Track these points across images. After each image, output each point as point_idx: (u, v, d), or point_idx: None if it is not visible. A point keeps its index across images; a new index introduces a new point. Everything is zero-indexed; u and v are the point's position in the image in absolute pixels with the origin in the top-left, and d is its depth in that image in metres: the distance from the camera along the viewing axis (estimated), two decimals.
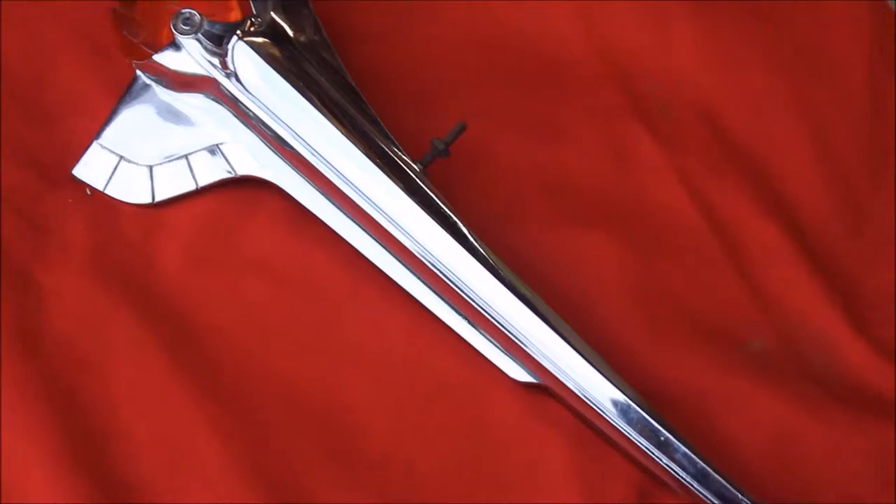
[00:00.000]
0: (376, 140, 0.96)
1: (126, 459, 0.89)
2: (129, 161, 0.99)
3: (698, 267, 1.05)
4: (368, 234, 0.96)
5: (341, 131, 0.94)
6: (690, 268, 1.04)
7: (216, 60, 0.96)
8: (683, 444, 0.89)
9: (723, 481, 0.89)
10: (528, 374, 0.94)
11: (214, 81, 0.96)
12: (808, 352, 1.02)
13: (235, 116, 0.98)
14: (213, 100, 0.98)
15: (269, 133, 0.96)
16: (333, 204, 0.96)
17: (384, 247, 0.96)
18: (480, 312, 0.92)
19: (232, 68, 0.95)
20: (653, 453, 0.90)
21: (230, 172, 0.98)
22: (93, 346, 0.93)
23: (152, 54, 0.98)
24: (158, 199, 0.98)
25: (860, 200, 1.10)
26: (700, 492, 0.89)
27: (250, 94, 0.95)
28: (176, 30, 0.96)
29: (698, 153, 1.11)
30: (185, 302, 0.96)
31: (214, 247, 0.98)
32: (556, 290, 0.97)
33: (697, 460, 0.89)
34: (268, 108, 0.95)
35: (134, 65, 1.00)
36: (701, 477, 0.89)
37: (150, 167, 0.99)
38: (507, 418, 0.94)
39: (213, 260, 0.98)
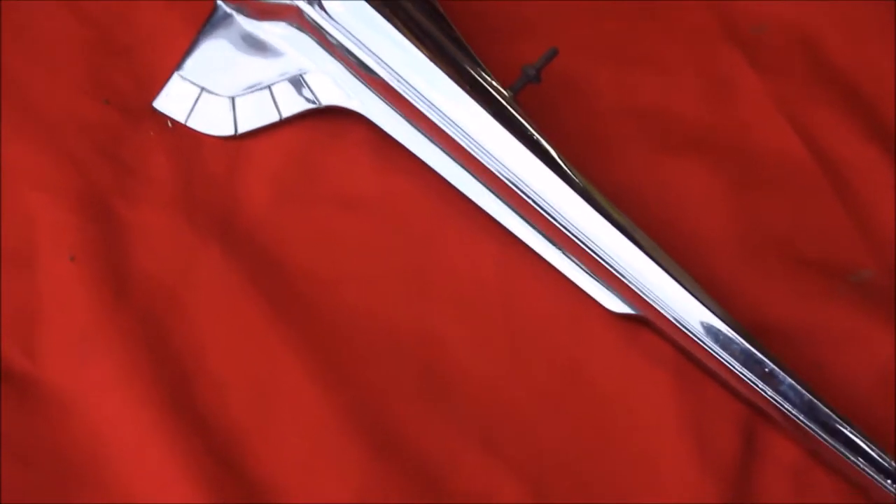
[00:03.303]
0: (464, 66, 0.93)
1: (215, 397, 0.87)
2: (211, 92, 0.96)
3: (799, 195, 1.01)
4: (457, 162, 0.93)
5: (428, 57, 0.91)
6: (791, 196, 1.01)
7: None
8: (789, 376, 0.86)
9: (831, 413, 0.86)
10: (625, 304, 0.91)
11: (297, 9, 0.94)
12: None
13: (319, 45, 0.95)
14: (296, 28, 0.96)
15: (355, 61, 0.93)
16: (421, 133, 0.94)
17: (474, 175, 0.93)
18: (574, 241, 0.89)
19: None
20: (757, 385, 0.87)
21: (314, 103, 0.96)
22: (180, 282, 0.91)
23: None
24: (241, 130, 0.96)
25: None
26: (807, 424, 0.86)
27: (334, 20, 0.92)
28: None
29: (797, 79, 1.07)
30: (271, 236, 0.94)
31: (300, 179, 0.96)
32: (652, 221, 0.93)
33: (804, 392, 0.86)
34: (352, 35, 0.92)
35: None
36: (808, 409, 0.86)
37: (232, 98, 0.96)
38: (603, 351, 0.91)
39: (299, 192, 0.96)
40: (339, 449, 0.85)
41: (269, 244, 0.93)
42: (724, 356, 0.87)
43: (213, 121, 0.96)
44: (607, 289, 0.91)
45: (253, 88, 0.96)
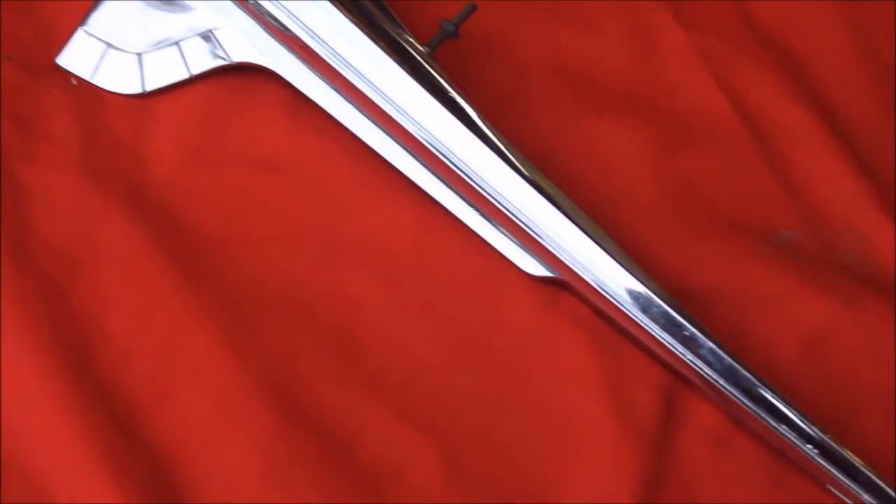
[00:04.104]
0: (380, 22, 0.90)
1: (118, 365, 0.83)
2: (117, 48, 0.93)
3: (725, 156, 0.99)
4: (373, 122, 0.91)
5: (342, 12, 0.88)
6: (717, 157, 0.99)
7: None
8: (709, 339, 0.85)
9: (752, 378, 0.84)
10: (544, 267, 0.89)
11: None
12: (841, 242, 0.96)
13: None
14: None
15: (267, 17, 0.90)
16: (336, 91, 0.91)
17: (390, 136, 0.90)
18: (493, 203, 0.87)
19: None
20: (677, 349, 0.85)
21: (225, 59, 0.92)
22: (82, 246, 0.87)
23: None
24: (149, 88, 0.92)
25: None
26: (728, 389, 0.84)
27: None
28: None
29: (724, 36, 1.06)
30: (179, 198, 0.90)
31: (210, 139, 0.93)
32: (574, 182, 0.91)
33: (724, 356, 0.84)
34: None
35: None
36: (728, 374, 0.84)
37: (140, 55, 0.93)
38: (521, 314, 0.89)
39: (209, 153, 0.92)
40: (247, 415, 0.83)
41: (177, 206, 0.90)
42: (643, 319, 0.85)
43: (119, 78, 0.92)
44: (526, 251, 0.89)
45: (161, 44, 0.93)
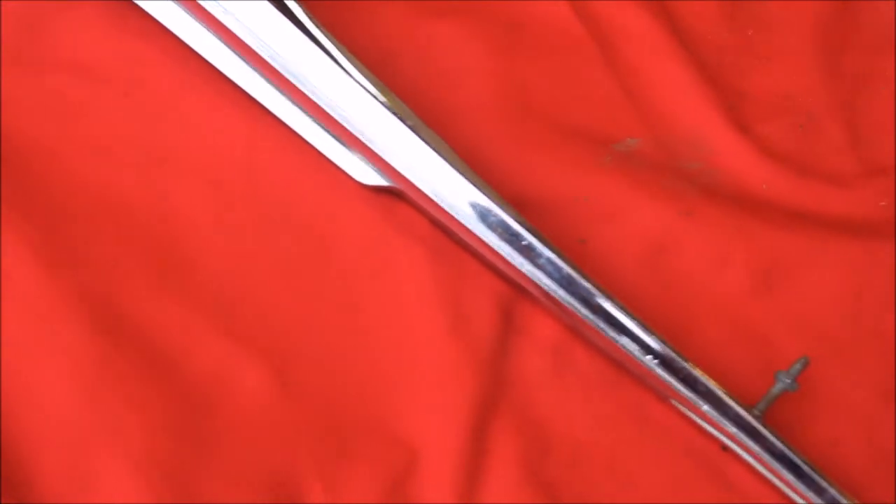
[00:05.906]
0: None
1: None
2: None
3: (566, 62, 0.97)
4: (199, 23, 0.86)
5: None
6: (558, 63, 0.96)
7: None
8: (548, 249, 0.82)
9: (590, 287, 0.82)
10: (378, 175, 0.85)
11: None
12: (684, 151, 0.95)
13: None
14: None
15: None
16: None
17: (217, 37, 0.86)
18: (323, 109, 0.83)
19: None
20: (514, 260, 0.82)
21: None
22: None
23: None
24: None
25: None
26: (566, 300, 0.83)
27: None
28: None
29: None
30: None
31: (25, 42, 0.87)
32: (410, 87, 0.88)
33: (563, 265, 0.82)
34: None
35: None
36: (566, 284, 0.82)
37: None
38: (355, 226, 0.87)
39: (24, 57, 0.87)
40: (60, 330, 0.79)
41: None
42: (480, 229, 0.83)
43: None
44: (360, 159, 0.86)
45: None
